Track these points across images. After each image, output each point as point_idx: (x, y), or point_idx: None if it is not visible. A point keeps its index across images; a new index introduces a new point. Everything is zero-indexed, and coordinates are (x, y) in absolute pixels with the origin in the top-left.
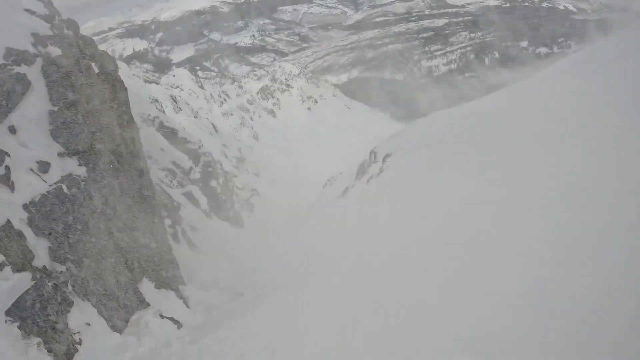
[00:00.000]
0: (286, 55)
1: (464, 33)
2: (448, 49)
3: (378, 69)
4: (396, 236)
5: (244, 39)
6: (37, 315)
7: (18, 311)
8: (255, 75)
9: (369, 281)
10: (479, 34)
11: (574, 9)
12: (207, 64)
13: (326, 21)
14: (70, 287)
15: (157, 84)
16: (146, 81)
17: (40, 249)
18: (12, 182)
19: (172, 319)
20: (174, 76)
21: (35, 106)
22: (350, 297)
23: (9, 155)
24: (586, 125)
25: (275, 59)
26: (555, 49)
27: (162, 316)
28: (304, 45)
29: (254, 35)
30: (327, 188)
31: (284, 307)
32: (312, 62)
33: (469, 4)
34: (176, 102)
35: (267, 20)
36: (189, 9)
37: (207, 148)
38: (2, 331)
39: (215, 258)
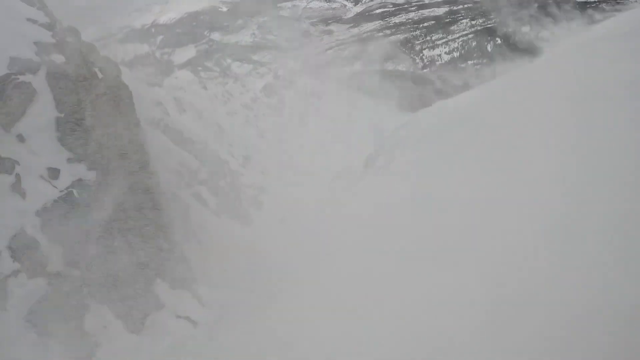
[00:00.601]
0: (288, 51)
1: (464, 21)
2: (450, 37)
3: (380, 60)
4: (409, 228)
5: (245, 38)
6: (54, 319)
7: (35, 316)
8: (258, 73)
9: (382, 275)
10: (480, 21)
11: None
12: (209, 64)
13: (326, 15)
14: (85, 291)
15: (161, 86)
16: (149, 84)
17: (54, 255)
18: (24, 189)
19: (187, 318)
20: (176, 78)
21: (41, 114)
22: (363, 291)
23: (18, 163)
24: (596, 105)
25: (277, 56)
26: (558, 32)
27: (177, 316)
28: (305, 40)
29: (254, 33)
30: (335, 182)
31: (298, 303)
32: (314, 57)
33: None
34: (180, 104)
35: (266, 18)
36: (188, 10)
37: (213, 148)
38: (20, 336)
39: (227, 257)
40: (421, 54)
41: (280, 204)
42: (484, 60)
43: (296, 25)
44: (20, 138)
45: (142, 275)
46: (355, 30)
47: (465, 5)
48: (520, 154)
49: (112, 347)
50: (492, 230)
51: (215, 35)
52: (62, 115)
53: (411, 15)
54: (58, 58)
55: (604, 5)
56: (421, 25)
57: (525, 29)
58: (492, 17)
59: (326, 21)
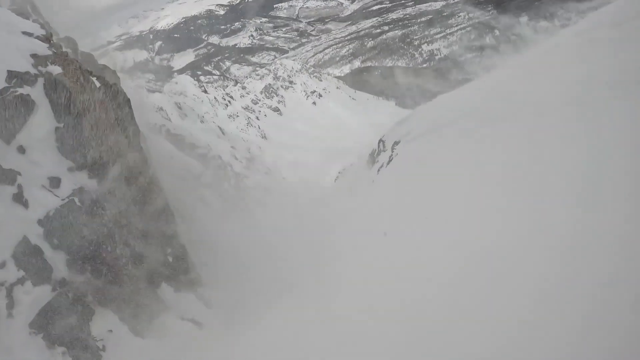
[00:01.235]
0: (286, 52)
1: (462, 14)
2: (448, 31)
3: (379, 57)
4: (414, 226)
5: (243, 40)
6: (60, 325)
7: (41, 322)
8: (258, 74)
9: (387, 273)
10: (477, 14)
11: None
12: (208, 68)
13: (323, 14)
14: (90, 297)
15: (161, 92)
16: (149, 91)
17: (58, 262)
18: (26, 199)
19: (192, 320)
20: (176, 83)
21: (41, 125)
22: (369, 288)
23: (20, 174)
24: (600, 95)
25: (275, 57)
26: (556, 22)
27: (182, 318)
28: (303, 40)
29: (252, 35)
30: (338, 181)
31: (304, 303)
32: (313, 56)
33: None
34: (181, 109)
35: (264, 19)
36: (185, 15)
37: (216, 151)
38: (27, 342)
39: (232, 259)
40: (420, 49)
41: (285, 205)
42: (482, 52)
43: (294, 26)
44: (21, 149)
45: (147, 278)
46: (353, 28)
47: None
48: (523, 146)
49: (118, 350)
50: (494, 226)
51: (214, 39)
52: (61, 125)
53: (408, 10)
54: (55, 69)
55: None
56: (419, 20)
57: (523, 19)
58: (489, 9)
59: (323, 20)
